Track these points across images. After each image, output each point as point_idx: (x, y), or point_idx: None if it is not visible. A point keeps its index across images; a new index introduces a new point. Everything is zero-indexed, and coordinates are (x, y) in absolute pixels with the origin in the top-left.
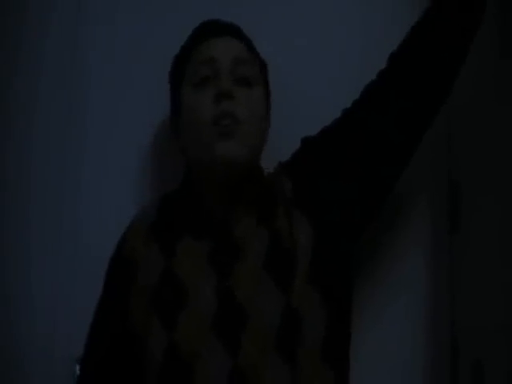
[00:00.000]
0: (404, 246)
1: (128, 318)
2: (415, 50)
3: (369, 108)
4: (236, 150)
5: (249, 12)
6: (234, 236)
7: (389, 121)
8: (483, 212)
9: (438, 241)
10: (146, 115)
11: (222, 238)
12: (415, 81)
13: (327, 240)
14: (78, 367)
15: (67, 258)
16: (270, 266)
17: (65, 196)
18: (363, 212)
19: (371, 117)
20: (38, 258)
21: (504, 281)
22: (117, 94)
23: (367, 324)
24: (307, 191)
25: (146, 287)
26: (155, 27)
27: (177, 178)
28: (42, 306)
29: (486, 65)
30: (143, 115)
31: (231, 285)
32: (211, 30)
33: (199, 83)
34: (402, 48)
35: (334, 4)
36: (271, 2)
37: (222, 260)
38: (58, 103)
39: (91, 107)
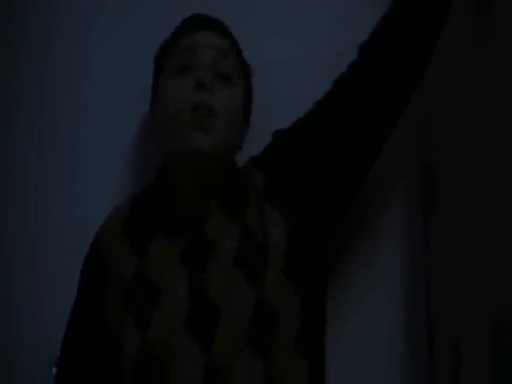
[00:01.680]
0: (379, 232)
1: (102, 318)
2: (384, 39)
3: (342, 97)
4: (208, 144)
5: (235, 11)
6: (206, 233)
7: (362, 108)
8: (456, 195)
9: (414, 225)
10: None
11: (194, 235)
12: (386, 68)
13: (302, 231)
14: (54, 369)
15: (69, 257)
16: (240, 261)
17: (64, 196)
18: (337, 201)
19: (345, 105)
20: (38, 258)
21: (479, 264)
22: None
23: (342, 311)
24: (280, 184)
25: (120, 287)
26: (147, 26)
27: None
28: (42, 306)
29: (462, 50)
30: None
31: (203, 282)
32: (195, 23)
33: (179, 71)
34: (372, 38)
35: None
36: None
37: (194, 258)
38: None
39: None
